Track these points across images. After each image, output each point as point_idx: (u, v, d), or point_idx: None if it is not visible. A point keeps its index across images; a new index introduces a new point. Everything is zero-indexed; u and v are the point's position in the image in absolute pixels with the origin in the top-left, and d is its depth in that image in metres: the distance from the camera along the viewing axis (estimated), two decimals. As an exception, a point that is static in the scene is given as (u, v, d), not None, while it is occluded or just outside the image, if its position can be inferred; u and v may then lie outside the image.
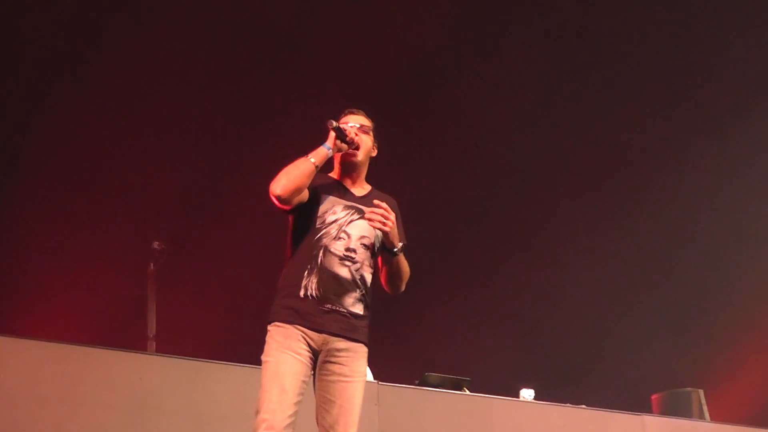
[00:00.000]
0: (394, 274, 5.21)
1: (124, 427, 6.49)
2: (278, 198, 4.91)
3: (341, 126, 5.14)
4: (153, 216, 11.58)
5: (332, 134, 5.10)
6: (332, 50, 12.59)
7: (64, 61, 11.70)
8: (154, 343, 8.94)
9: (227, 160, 12.06)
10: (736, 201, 13.05)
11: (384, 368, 8.77)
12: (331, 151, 5.08)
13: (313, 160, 5.00)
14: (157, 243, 9.20)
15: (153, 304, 8.88)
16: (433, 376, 8.62)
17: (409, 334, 10.75)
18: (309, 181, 4.99)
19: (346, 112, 5.40)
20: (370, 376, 8.89)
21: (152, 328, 8.79)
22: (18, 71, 11.50)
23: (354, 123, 5.28)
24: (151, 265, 9.06)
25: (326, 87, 11.86)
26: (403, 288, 5.25)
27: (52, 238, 11.29)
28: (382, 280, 5.23)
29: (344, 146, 5.14)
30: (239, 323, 10.76)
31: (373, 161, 5.37)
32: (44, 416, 6.27)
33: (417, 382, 8.67)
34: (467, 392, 8.60)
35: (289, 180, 4.92)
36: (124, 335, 9.73)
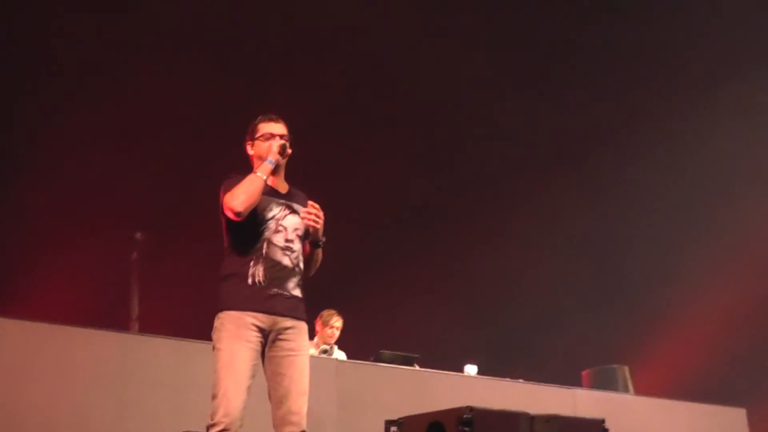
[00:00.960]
0: (312, 261, 5.36)
1: (109, 399, 6.58)
2: (238, 215, 5.02)
3: (284, 144, 5.29)
4: (136, 207, 11.64)
5: (275, 150, 5.27)
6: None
7: (52, 63, 11.72)
8: (137, 324, 9.04)
9: (205, 154, 12.10)
10: (671, 189, 13.11)
11: (342, 346, 8.95)
12: (273, 165, 5.26)
13: (262, 175, 5.16)
14: (139, 234, 9.31)
15: (136, 289, 8.95)
16: (387, 353, 8.71)
17: (365, 315, 10.84)
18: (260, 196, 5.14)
19: (267, 118, 5.46)
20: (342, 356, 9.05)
21: (135, 311, 8.87)
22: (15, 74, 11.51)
23: (281, 132, 5.38)
24: (134, 253, 9.15)
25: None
26: (312, 273, 5.41)
27: (48, 230, 11.29)
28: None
29: (281, 159, 5.32)
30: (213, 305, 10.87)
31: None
32: (38, 391, 6.35)
33: (372, 358, 8.78)
34: (417, 368, 8.72)
35: (248, 197, 5.04)
36: (109, 317, 9.78)
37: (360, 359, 8.34)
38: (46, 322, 6.88)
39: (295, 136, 5.43)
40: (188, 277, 11.71)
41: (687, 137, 13.02)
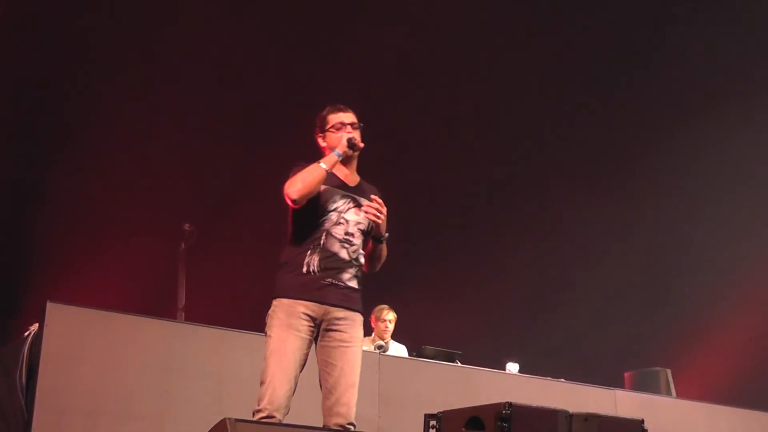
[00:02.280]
0: (376, 257, 5.42)
1: (152, 386, 6.69)
2: (294, 202, 5.09)
3: (353, 138, 5.32)
4: (186, 198, 11.77)
5: (344, 143, 5.30)
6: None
7: (120, 59, 11.85)
8: (183, 314, 9.12)
9: (254, 150, 12.19)
10: (725, 194, 13.01)
11: (396, 341, 9.00)
12: (340, 157, 5.29)
13: (325, 166, 5.19)
14: (187, 225, 9.38)
15: (183, 279, 9.02)
16: (429, 348, 8.75)
17: (409, 311, 10.87)
18: (320, 186, 5.18)
19: (336, 108, 5.49)
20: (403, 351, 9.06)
21: (182, 300, 8.94)
22: (81, 67, 11.65)
23: (352, 120, 5.42)
24: (182, 244, 9.22)
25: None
26: (378, 269, 5.45)
27: (103, 222, 11.44)
28: (364, 260, 5.43)
29: (350, 152, 5.34)
30: (258, 297, 10.96)
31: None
32: (85, 375, 6.46)
33: (414, 353, 8.86)
34: (459, 364, 8.74)
35: (305, 186, 5.10)
36: (157, 306, 9.88)
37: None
38: (96, 308, 6.98)
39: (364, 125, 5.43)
40: (233, 268, 11.85)
41: (746, 138, 12.91)
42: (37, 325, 6.41)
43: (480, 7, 12.91)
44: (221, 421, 4.35)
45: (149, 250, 11.24)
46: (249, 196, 11.35)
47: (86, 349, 6.53)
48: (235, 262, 11.85)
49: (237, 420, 4.30)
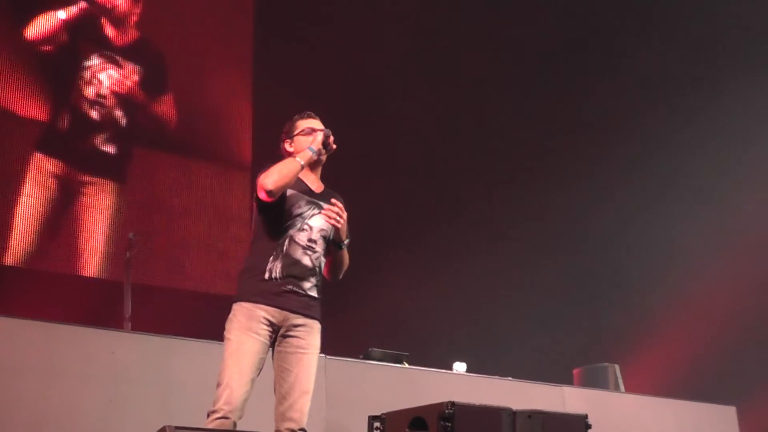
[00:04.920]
0: (337, 265, 5.45)
1: (96, 397, 6.63)
2: (269, 193, 5.08)
3: (329, 136, 5.33)
4: (128, 210, 11.72)
5: (319, 140, 5.29)
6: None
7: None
8: (129, 323, 9.03)
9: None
10: (660, 188, 13.14)
11: (331, 343, 8.94)
12: (314, 155, 5.28)
13: (301, 161, 5.20)
14: (132, 234, 9.31)
15: (129, 289, 8.94)
16: (376, 351, 8.73)
17: (355, 313, 10.86)
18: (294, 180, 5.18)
19: (306, 115, 5.53)
20: None
21: (128, 310, 8.85)
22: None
23: (321, 128, 5.44)
24: (127, 253, 9.14)
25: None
26: (340, 277, 5.48)
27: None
28: (325, 268, 5.43)
29: (323, 151, 5.35)
30: (203, 304, 10.92)
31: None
32: (28, 387, 6.40)
33: (361, 356, 8.81)
34: (406, 365, 8.73)
35: (282, 177, 5.09)
36: (102, 316, 9.79)
37: (349, 357, 8.34)
38: (39, 320, 6.94)
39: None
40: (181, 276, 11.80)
41: (682, 138, 13.05)
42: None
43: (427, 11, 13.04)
44: (161, 429, 4.33)
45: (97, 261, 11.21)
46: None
47: (28, 361, 6.47)
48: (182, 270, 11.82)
49: (177, 428, 4.29)
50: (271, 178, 5.07)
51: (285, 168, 5.14)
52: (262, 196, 5.11)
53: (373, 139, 12.11)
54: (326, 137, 5.31)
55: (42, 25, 11.55)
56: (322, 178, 5.53)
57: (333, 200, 5.32)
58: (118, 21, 12.15)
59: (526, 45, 13.50)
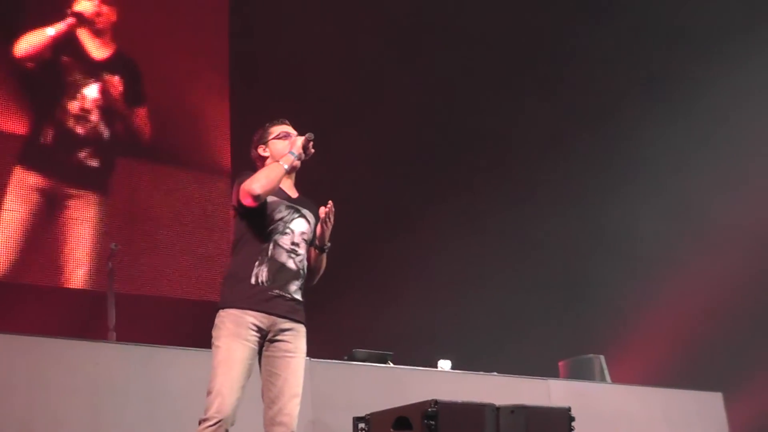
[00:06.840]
0: (315, 269, 5.45)
1: (81, 408, 6.61)
2: (257, 197, 5.07)
3: (311, 138, 5.31)
4: (111, 221, 11.71)
5: (299, 144, 5.28)
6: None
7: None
8: (114, 333, 9.00)
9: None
10: (638, 180, 13.16)
11: (315, 346, 8.92)
12: (296, 159, 5.28)
13: (284, 165, 5.21)
14: (113, 244, 9.27)
15: (112, 299, 8.89)
16: (360, 351, 8.70)
17: (338, 315, 10.84)
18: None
19: (280, 121, 5.52)
20: None
21: (112, 320, 8.81)
22: None
23: (294, 132, 5.44)
24: (109, 263, 9.09)
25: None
26: (315, 282, 5.49)
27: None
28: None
29: (303, 155, 5.34)
30: (186, 312, 10.92)
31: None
32: (13, 401, 6.38)
33: (345, 357, 8.78)
34: (391, 365, 8.72)
35: (269, 181, 5.09)
36: (87, 328, 9.77)
37: (333, 359, 8.34)
38: (19, 333, 6.89)
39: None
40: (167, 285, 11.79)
41: (654, 129, 13.09)
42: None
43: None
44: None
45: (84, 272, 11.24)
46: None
47: (13, 376, 6.45)
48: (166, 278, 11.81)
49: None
50: (259, 183, 5.07)
51: (272, 172, 5.14)
52: (248, 201, 5.10)
53: (350, 138, 12.07)
54: (308, 141, 5.29)
55: (29, 42, 11.54)
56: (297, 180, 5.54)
57: (330, 202, 5.33)
58: (97, 32, 12.13)
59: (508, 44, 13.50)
